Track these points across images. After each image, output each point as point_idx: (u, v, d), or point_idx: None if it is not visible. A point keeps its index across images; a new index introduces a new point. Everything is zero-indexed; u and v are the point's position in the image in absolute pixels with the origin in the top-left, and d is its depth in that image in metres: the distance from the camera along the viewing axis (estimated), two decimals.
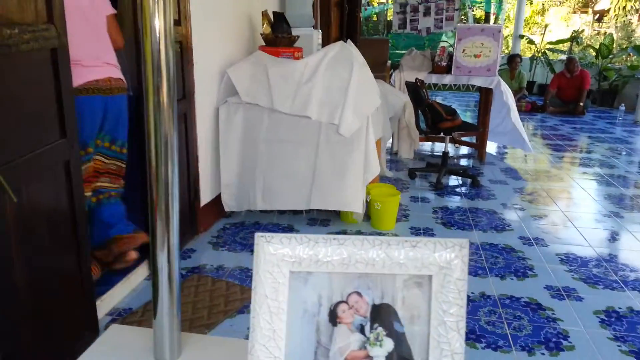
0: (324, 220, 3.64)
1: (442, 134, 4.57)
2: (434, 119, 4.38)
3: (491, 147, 5.81)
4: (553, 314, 2.52)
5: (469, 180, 4.61)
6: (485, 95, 4.98)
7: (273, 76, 3.34)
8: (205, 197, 3.34)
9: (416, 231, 3.52)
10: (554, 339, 2.31)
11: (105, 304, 2.32)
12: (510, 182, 4.67)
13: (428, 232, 3.49)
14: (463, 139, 5.60)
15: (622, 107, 7.97)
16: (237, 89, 3.36)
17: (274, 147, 3.35)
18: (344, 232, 3.45)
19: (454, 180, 4.70)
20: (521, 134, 4.99)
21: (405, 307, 0.47)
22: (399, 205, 3.61)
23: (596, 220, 3.78)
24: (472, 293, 2.70)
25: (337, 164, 3.34)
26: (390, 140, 5.35)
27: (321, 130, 3.33)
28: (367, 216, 3.56)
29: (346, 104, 3.26)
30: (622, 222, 3.73)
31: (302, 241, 0.45)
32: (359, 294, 0.46)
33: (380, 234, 3.45)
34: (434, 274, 0.46)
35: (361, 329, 0.47)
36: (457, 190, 4.45)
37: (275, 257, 0.45)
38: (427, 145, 6.02)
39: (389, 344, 0.47)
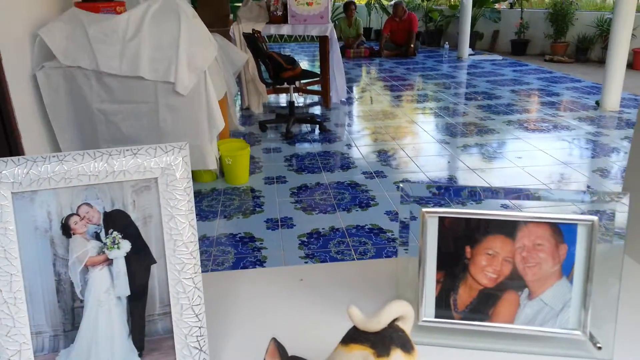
0: None
1: (285, 84, 4.68)
2: (275, 70, 4.45)
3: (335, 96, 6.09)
4: (392, 235, 2.81)
5: (317, 127, 4.81)
6: (323, 44, 5.16)
7: (93, 34, 3.10)
8: None
9: (270, 180, 3.63)
10: (395, 256, 2.59)
11: None
12: (354, 124, 4.99)
13: (281, 180, 3.62)
14: (309, 87, 5.78)
15: (447, 46, 8.83)
16: (53, 51, 3.07)
17: (112, 112, 3.18)
18: (199, 192, 3.44)
19: (303, 128, 4.87)
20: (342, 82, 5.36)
21: (137, 210, 0.51)
22: (250, 158, 3.66)
23: (426, 149, 4.24)
24: (323, 228, 2.90)
25: (181, 124, 3.28)
26: (240, 96, 5.35)
27: (158, 90, 3.21)
28: (222, 173, 3.58)
29: (179, 60, 3.17)
30: (448, 147, 4.22)
31: (19, 162, 0.47)
32: (88, 204, 0.50)
33: (235, 189, 3.50)
34: (158, 176, 0.51)
35: (97, 236, 0.50)
36: (307, 137, 4.64)
37: None
38: (276, 98, 6.11)
39: (126, 245, 0.51)
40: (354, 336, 0.51)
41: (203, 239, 2.79)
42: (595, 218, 0.58)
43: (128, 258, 0.51)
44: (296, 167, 3.87)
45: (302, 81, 5.50)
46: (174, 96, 3.21)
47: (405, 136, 4.65)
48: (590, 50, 7.97)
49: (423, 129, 4.83)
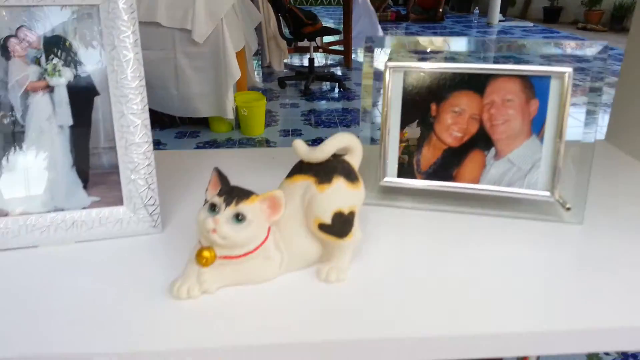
0: (193, 133, 3.60)
1: (306, 41, 4.61)
2: (295, 25, 4.38)
3: (361, 55, 5.98)
4: None
5: (336, 85, 4.74)
6: (346, 2, 5.06)
7: None
8: None
9: (285, 133, 3.61)
10: None
11: None
12: (375, 83, 4.89)
13: (296, 133, 3.59)
14: (331, 47, 5.69)
15: (477, 11, 8.53)
16: None
17: None
18: (215, 141, 3.46)
19: (323, 86, 4.81)
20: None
21: (78, 38, 0.50)
22: (265, 110, 3.64)
23: None
24: None
25: (199, 71, 3.29)
26: (261, 53, 5.30)
27: (175, 38, 3.21)
28: (238, 124, 3.58)
29: (196, 7, 3.14)
30: None
31: None
32: (28, 27, 0.48)
33: (250, 139, 3.50)
34: (99, 3, 0.49)
35: (37, 62, 0.49)
36: (326, 95, 4.58)
37: None
38: (299, 58, 6.05)
39: (67, 74, 0.50)
40: (298, 169, 0.49)
41: None
42: (569, 69, 0.54)
43: (69, 87, 0.50)
44: (313, 122, 3.83)
45: (324, 40, 5.41)
46: (191, 44, 3.20)
47: None
48: (627, 18, 7.58)
49: None
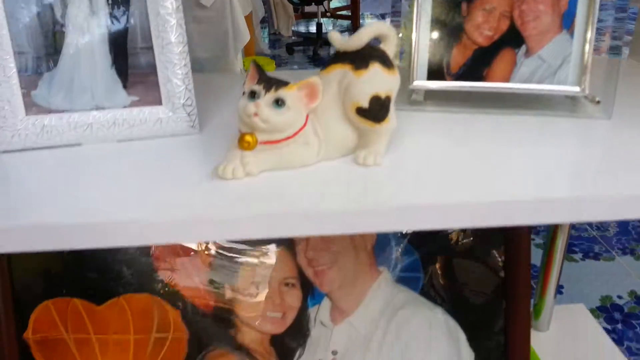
0: None
1: (313, 5, 4.55)
2: None
3: (368, 20, 5.90)
4: None
5: None
6: None
7: None
8: None
9: None
10: None
11: None
12: None
13: None
14: (338, 13, 5.62)
15: None
16: None
17: None
18: None
19: (331, 51, 4.76)
20: None
21: None
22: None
23: None
24: None
25: (207, 36, 3.27)
26: (268, 19, 5.25)
27: (182, 2, 3.19)
28: None
29: None
30: None
31: None
32: None
33: None
34: None
35: None
36: None
37: None
38: (306, 25, 5.98)
39: None
40: (334, 59, 0.50)
41: None
42: None
43: None
44: None
45: (332, 6, 5.34)
46: (199, 8, 3.17)
47: None
48: None
49: None
